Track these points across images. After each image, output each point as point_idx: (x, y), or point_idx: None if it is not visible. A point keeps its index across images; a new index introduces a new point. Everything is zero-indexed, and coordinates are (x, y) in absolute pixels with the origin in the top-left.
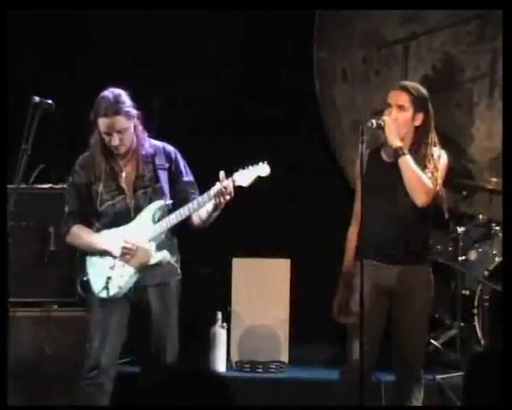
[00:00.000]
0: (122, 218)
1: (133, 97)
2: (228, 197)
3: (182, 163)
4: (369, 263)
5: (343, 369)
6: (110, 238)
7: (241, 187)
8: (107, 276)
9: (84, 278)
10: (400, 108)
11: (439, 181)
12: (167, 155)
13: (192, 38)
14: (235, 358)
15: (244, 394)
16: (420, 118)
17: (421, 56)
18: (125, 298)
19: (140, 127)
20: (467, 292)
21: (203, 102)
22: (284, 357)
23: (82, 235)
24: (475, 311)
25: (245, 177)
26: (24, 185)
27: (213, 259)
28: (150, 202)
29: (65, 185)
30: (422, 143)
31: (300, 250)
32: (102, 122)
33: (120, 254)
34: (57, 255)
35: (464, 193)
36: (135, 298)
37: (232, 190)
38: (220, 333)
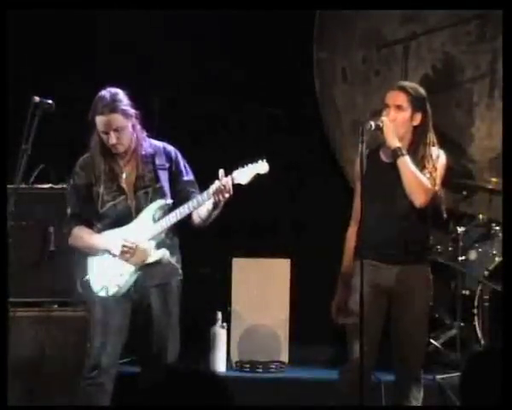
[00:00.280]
0: (123, 218)
1: (133, 97)
2: (227, 195)
3: (182, 162)
4: (369, 263)
5: (343, 369)
6: (111, 238)
7: (240, 185)
8: (107, 275)
9: (85, 278)
10: (398, 108)
11: (438, 181)
12: (167, 155)
13: (192, 38)
14: (235, 358)
15: (244, 394)
16: (418, 118)
17: (421, 56)
18: (126, 298)
19: (138, 127)
20: (467, 292)
21: (203, 102)
22: (284, 357)
23: (83, 236)
24: (475, 311)
25: (244, 174)
26: (24, 185)
27: (213, 259)
28: (151, 202)
29: (65, 185)
30: (421, 143)
31: (300, 250)
32: (99, 120)
33: (120, 253)
34: (57, 255)
35: (464, 193)
36: (136, 298)
37: (231, 187)
38: (220, 333)
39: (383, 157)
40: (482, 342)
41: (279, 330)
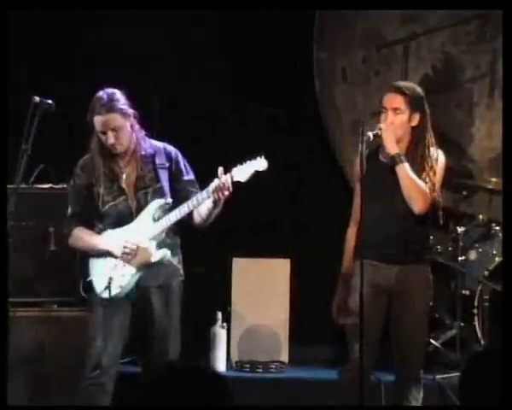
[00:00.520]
0: (124, 218)
1: (133, 97)
2: (226, 193)
3: (182, 162)
4: (368, 263)
5: (342, 369)
6: (111, 239)
7: (239, 183)
8: (109, 276)
9: (88, 279)
10: (396, 110)
11: (437, 186)
12: (167, 155)
13: (192, 38)
14: (235, 358)
15: (244, 394)
16: (416, 118)
17: (421, 56)
18: (127, 299)
19: (137, 127)
20: (467, 292)
21: (203, 102)
22: (284, 357)
23: (84, 237)
24: (475, 311)
25: (243, 172)
26: (24, 185)
27: (213, 259)
28: (151, 201)
29: (65, 185)
30: (420, 144)
31: (300, 250)
32: (97, 121)
33: (121, 254)
34: (57, 255)
35: (464, 193)
36: (137, 299)
37: (230, 185)
38: (220, 333)
39: (383, 158)
40: (482, 342)
41: (279, 330)
